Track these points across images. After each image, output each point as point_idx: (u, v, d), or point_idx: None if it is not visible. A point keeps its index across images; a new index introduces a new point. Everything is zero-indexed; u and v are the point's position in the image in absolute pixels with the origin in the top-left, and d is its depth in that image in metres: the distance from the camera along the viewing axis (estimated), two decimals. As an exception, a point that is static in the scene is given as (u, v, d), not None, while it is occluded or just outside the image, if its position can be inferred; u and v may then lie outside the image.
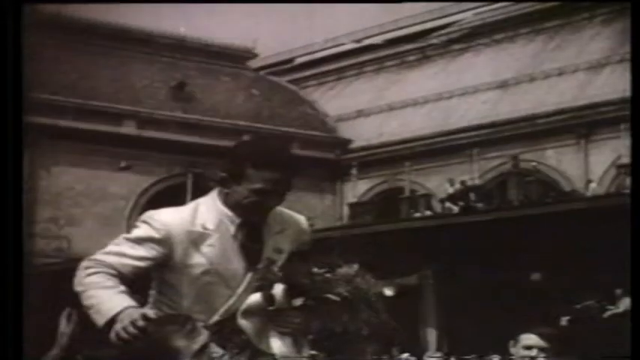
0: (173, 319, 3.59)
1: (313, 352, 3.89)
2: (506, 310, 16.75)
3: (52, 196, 26.75)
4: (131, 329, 3.40)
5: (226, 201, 3.72)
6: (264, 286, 3.70)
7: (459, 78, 29.84)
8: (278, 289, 3.68)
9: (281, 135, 28.71)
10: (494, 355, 16.39)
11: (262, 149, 3.76)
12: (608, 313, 15.05)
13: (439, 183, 27.43)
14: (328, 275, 3.74)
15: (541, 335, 4.84)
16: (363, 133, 30.57)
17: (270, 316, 3.69)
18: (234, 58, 32.07)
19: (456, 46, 31.28)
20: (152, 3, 29.22)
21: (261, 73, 33.02)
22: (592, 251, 15.88)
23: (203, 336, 3.58)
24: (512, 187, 26.40)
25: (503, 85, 28.79)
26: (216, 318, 3.70)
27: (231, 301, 3.70)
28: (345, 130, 31.18)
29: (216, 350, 3.70)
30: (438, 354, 17.59)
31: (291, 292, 3.67)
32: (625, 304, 13.66)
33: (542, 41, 29.17)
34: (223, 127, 29.61)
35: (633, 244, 3.98)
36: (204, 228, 3.69)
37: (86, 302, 3.58)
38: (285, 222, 3.84)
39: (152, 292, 3.78)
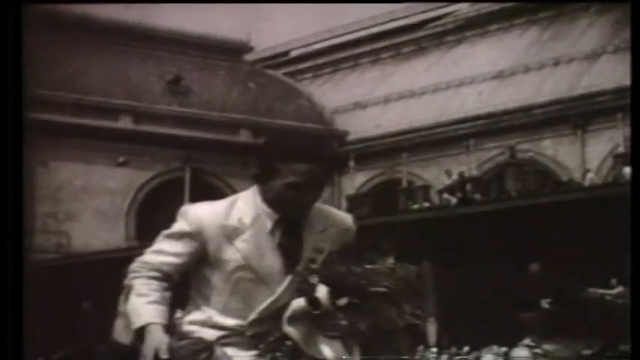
0: (190, 347, 3.56)
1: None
2: (505, 301, 16.81)
3: (51, 191, 26.76)
4: None
5: (265, 198, 3.68)
6: (305, 289, 3.63)
7: (455, 69, 29.86)
8: (322, 291, 3.61)
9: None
10: (494, 346, 16.46)
11: (290, 143, 3.73)
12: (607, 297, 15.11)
13: (437, 174, 27.46)
14: (369, 268, 3.66)
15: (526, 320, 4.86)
16: (360, 125, 30.58)
17: (316, 320, 3.62)
18: (230, 51, 32.07)
19: (451, 37, 31.30)
20: (149, 3, 29.19)
21: (257, 66, 33.03)
22: (590, 241, 15.92)
23: None
24: (510, 178, 26.44)
25: (498, 75, 28.81)
26: (253, 316, 3.66)
27: (269, 300, 3.65)
28: (342, 123, 31.20)
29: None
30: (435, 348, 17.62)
31: (334, 293, 3.60)
32: (618, 292, 13.72)
33: (537, 31, 29.20)
34: (220, 121, 29.65)
35: (633, 240, 3.99)
36: (241, 222, 3.65)
37: (127, 306, 3.61)
38: (327, 220, 3.77)
39: (192, 291, 3.76)
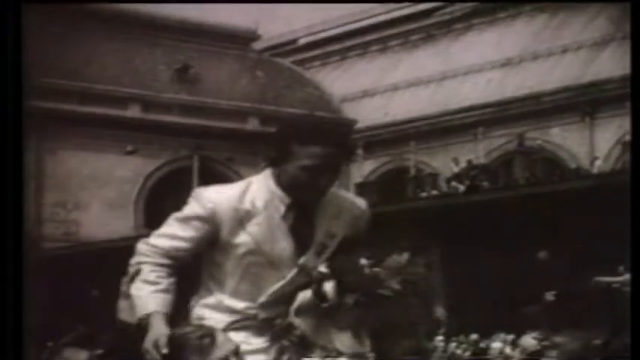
0: (192, 333, 3.54)
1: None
2: (513, 289, 16.82)
3: (59, 180, 26.82)
4: (155, 354, 3.43)
5: (279, 181, 3.64)
6: (313, 282, 3.60)
7: (463, 57, 29.82)
8: (329, 286, 3.58)
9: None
10: (501, 334, 16.47)
11: (306, 125, 3.70)
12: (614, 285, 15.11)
13: (445, 162, 27.45)
14: (377, 269, 3.62)
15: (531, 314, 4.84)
16: (369, 113, 30.58)
17: (324, 312, 3.59)
18: (238, 39, 32.04)
19: (460, 25, 31.24)
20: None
21: (265, 54, 33.01)
22: (598, 228, 15.91)
23: (222, 351, 3.50)
24: (518, 166, 26.43)
25: (507, 63, 28.78)
26: (263, 299, 3.64)
27: (279, 285, 3.63)
28: (350, 111, 31.20)
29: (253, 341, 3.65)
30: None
31: (341, 289, 3.57)
32: (625, 279, 13.72)
33: (545, 18, 29.14)
34: (228, 109, 29.66)
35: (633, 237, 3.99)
36: (253, 206, 3.61)
37: (132, 291, 3.61)
38: (341, 205, 3.73)
39: (204, 274, 3.74)
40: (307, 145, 3.56)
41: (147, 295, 3.58)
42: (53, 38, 25.80)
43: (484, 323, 17.12)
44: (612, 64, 25.76)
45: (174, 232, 3.66)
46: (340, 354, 3.63)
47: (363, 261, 3.63)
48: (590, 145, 25.78)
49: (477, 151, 27.20)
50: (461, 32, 31.04)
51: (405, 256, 3.67)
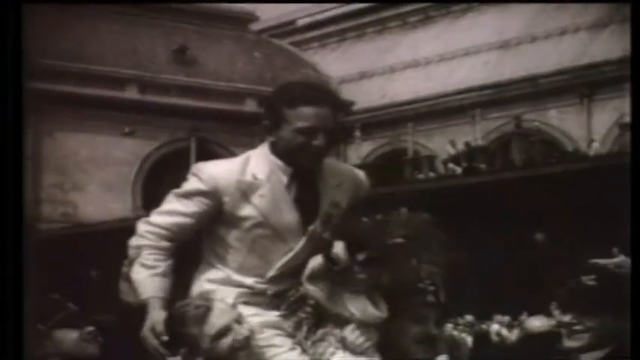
0: (188, 306, 3.52)
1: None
2: (510, 271, 16.87)
3: (57, 161, 26.82)
4: (153, 340, 3.44)
5: (275, 150, 3.63)
6: (321, 246, 3.56)
7: (461, 38, 29.81)
8: (339, 247, 3.54)
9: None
10: (498, 315, 16.51)
11: (296, 88, 3.68)
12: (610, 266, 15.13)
13: (442, 144, 27.48)
14: (383, 220, 3.60)
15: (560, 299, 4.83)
16: (366, 95, 30.56)
17: (336, 277, 3.56)
18: (236, 21, 31.99)
19: (458, 7, 31.21)
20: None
21: (263, 35, 32.97)
22: (595, 210, 15.96)
23: (221, 320, 3.48)
24: (515, 148, 26.46)
25: (505, 45, 28.77)
26: (272, 273, 3.61)
27: (287, 257, 3.60)
28: (348, 92, 31.15)
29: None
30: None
31: (351, 248, 3.53)
32: (620, 261, 13.73)
33: (544, 1, 29.12)
34: (226, 91, 29.65)
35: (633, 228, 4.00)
36: (255, 178, 3.59)
37: (132, 275, 3.60)
38: (342, 175, 3.73)
39: (205, 250, 3.71)
40: (298, 106, 3.56)
41: (144, 279, 3.56)
42: (51, 19, 25.75)
43: (481, 304, 17.17)
44: (610, 46, 25.76)
45: (175, 208, 3.63)
46: (358, 321, 3.58)
47: (365, 219, 3.62)
48: (588, 127, 25.81)
49: (475, 133, 27.23)
50: (459, 14, 31.02)
51: (404, 211, 3.68)
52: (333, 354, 3.58)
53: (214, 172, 3.62)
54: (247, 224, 3.60)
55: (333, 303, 3.59)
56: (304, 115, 3.55)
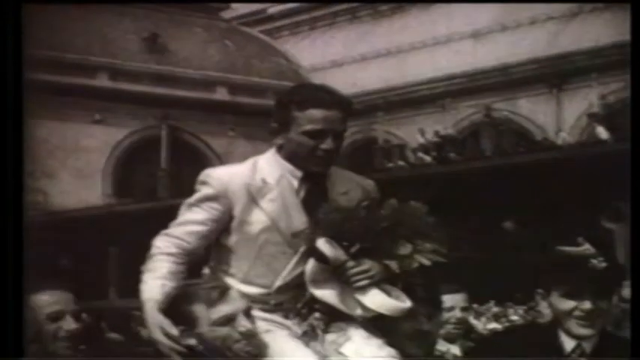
0: (203, 284, 3.49)
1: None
2: (480, 260, 16.96)
3: (27, 149, 26.64)
4: (167, 342, 3.33)
5: (284, 154, 3.59)
6: (309, 247, 3.50)
7: (432, 28, 29.83)
8: (321, 243, 3.46)
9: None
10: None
11: (306, 90, 3.68)
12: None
13: (412, 133, 27.53)
14: (373, 211, 3.56)
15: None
16: (337, 84, 30.09)
17: (339, 276, 3.48)
18: (207, 8, 31.88)
19: (429, -4, 31.23)
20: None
21: (234, 23, 32.88)
22: (563, 199, 16.07)
23: (229, 307, 3.43)
24: (485, 137, 26.55)
25: (475, 34, 28.82)
26: (279, 283, 3.55)
27: (292, 264, 3.54)
28: (319, 81, 30.93)
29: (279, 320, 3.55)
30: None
31: (342, 241, 3.47)
32: (585, 249, 13.81)
33: (515, -10, 29.17)
34: (196, 79, 29.55)
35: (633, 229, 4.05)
36: (264, 182, 3.55)
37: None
38: (350, 183, 3.72)
39: (212, 260, 3.67)
40: (308, 109, 3.53)
41: (146, 282, 3.50)
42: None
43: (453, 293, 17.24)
44: (580, 36, 25.88)
45: (187, 218, 3.58)
46: (376, 314, 3.51)
47: (354, 213, 3.59)
48: (557, 117, 25.93)
49: (445, 122, 27.29)
50: (430, 3, 31.03)
51: (393, 202, 3.64)
52: (345, 342, 3.54)
53: (223, 177, 3.59)
54: (255, 229, 3.56)
55: (347, 303, 3.51)
56: (314, 118, 3.53)
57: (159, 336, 3.35)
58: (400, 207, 3.64)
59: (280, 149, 3.62)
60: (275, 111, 3.63)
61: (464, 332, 5.24)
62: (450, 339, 5.09)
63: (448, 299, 5.07)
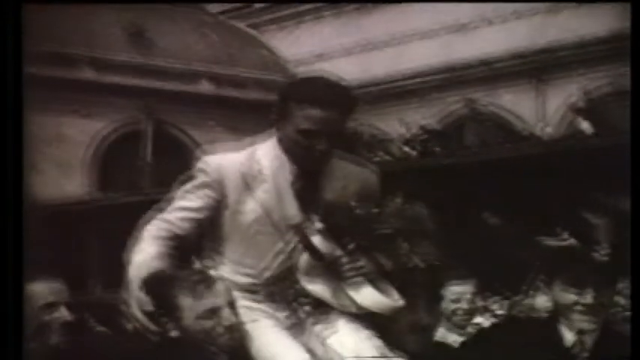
0: (190, 275, 3.47)
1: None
2: (466, 255, 16.97)
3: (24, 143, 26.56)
4: (143, 319, 3.36)
5: (282, 146, 3.55)
6: (303, 241, 3.49)
7: (418, 22, 29.84)
8: (316, 239, 3.44)
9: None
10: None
11: (308, 86, 3.58)
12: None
13: (397, 127, 27.55)
14: (375, 211, 3.51)
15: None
16: (322, 78, 30.46)
17: (332, 271, 3.46)
18: (193, 1, 31.83)
19: (414, -11, 31.23)
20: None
21: (220, 17, 32.82)
22: (546, 193, 16.10)
23: (215, 299, 3.41)
24: (470, 131, 26.59)
25: (461, 28, 28.85)
26: (268, 273, 3.53)
27: (282, 256, 3.52)
28: (304, 74, 30.96)
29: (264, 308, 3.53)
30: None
31: (337, 236, 3.43)
32: (567, 241, 13.83)
33: (500, -16, 29.20)
34: (182, 72, 29.50)
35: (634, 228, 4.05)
36: (260, 172, 3.52)
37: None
38: (349, 176, 3.63)
39: (201, 253, 3.64)
40: (304, 106, 3.46)
41: (133, 262, 3.49)
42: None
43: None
44: (564, 30, 25.93)
45: (180, 205, 3.58)
46: (368, 312, 3.50)
47: (358, 210, 3.53)
48: (541, 111, 25.99)
49: (430, 116, 27.32)
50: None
51: (398, 199, 3.63)
52: (331, 334, 3.52)
53: (219, 163, 3.57)
54: (248, 218, 3.53)
55: (339, 298, 3.50)
56: (310, 117, 3.46)
57: (135, 311, 3.35)
58: (403, 209, 3.61)
59: (280, 141, 3.58)
60: (277, 101, 3.59)
61: (468, 324, 5.22)
62: (457, 329, 5.06)
63: (453, 290, 5.06)
